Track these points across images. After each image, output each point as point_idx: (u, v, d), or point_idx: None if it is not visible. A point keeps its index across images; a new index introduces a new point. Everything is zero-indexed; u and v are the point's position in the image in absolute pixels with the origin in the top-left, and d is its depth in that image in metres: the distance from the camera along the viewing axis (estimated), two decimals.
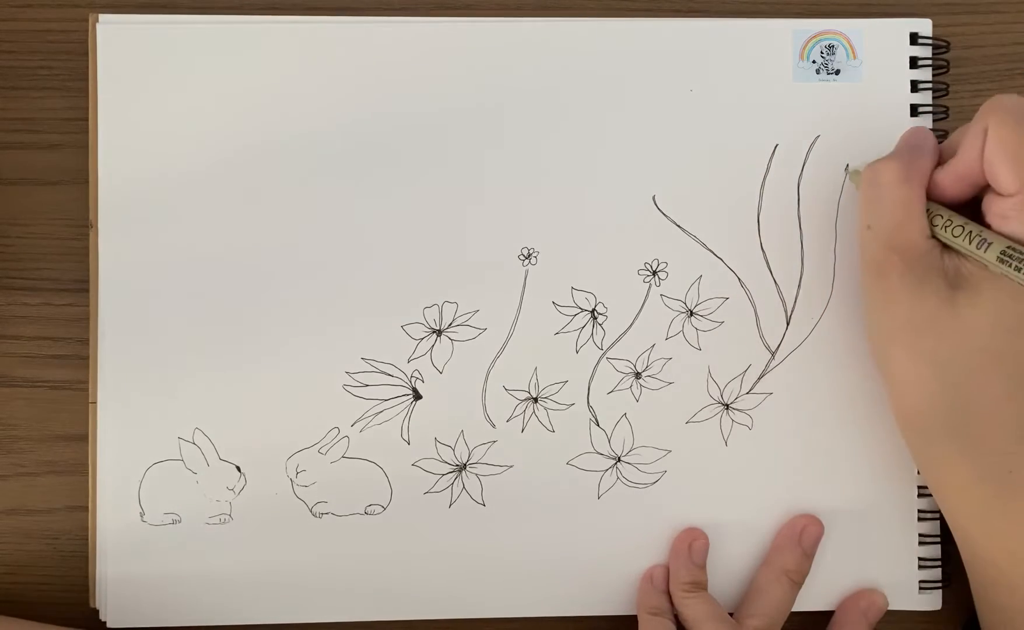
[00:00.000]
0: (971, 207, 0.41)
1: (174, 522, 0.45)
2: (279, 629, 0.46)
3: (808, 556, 0.45)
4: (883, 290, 0.41)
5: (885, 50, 0.47)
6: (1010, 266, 0.37)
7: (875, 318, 0.42)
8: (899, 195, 0.40)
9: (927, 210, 0.41)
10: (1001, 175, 0.39)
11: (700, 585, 0.45)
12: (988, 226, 0.40)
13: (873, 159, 0.42)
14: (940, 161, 0.41)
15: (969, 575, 0.44)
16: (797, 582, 0.45)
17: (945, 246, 0.40)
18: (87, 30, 0.46)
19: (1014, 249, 0.38)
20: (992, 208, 0.40)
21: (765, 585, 0.45)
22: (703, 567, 0.46)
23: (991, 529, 0.41)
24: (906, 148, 0.42)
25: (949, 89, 0.48)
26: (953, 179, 0.40)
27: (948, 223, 0.40)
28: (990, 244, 0.38)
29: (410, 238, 0.46)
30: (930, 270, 0.40)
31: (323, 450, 0.46)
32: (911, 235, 0.40)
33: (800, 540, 0.45)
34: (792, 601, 0.45)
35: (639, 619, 0.45)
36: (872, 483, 0.46)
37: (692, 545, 0.46)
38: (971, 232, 0.39)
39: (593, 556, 0.46)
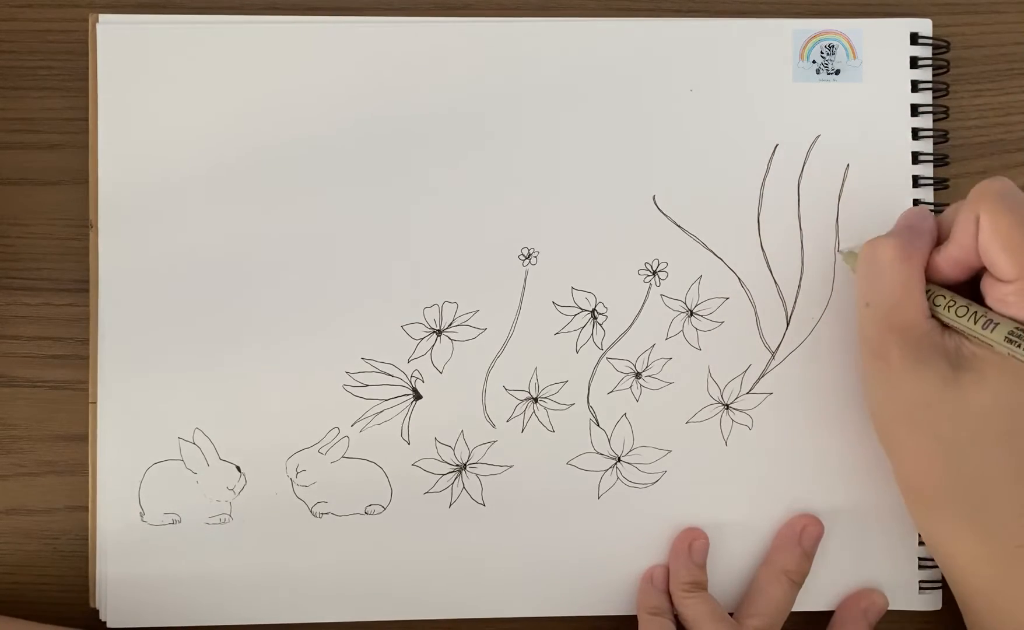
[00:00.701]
0: (968, 287, 0.41)
1: (174, 522, 0.45)
2: (279, 629, 0.46)
3: (808, 556, 0.45)
4: (884, 370, 0.41)
5: (885, 50, 0.47)
6: (1018, 346, 0.37)
7: (877, 398, 0.42)
8: (898, 274, 0.40)
9: (928, 291, 0.40)
10: (999, 263, 0.38)
11: (700, 585, 0.45)
12: (988, 308, 0.40)
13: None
14: (938, 239, 0.41)
15: None
16: (797, 582, 0.45)
17: (945, 326, 0.40)
18: (87, 30, 0.46)
19: (1021, 330, 0.38)
20: (992, 292, 0.39)
21: (765, 585, 0.45)
22: (703, 567, 0.46)
23: (997, 602, 0.41)
24: (905, 227, 0.42)
25: (949, 89, 0.48)
26: (950, 264, 0.40)
27: (951, 304, 0.40)
28: (996, 325, 0.38)
29: (410, 238, 0.46)
30: (931, 350, 0.40)
31: (323, 450, 0.46)
32: (911, 315, 0.40)
33: (800, 540, 0.45)
34: (792, 601, 0.45)
35: (639, 619, 0.45)
36: (872, 483, 0.46)
37: (692, 545, 0.46)
38: (976, 313, 0.39)
39: (593, 556, 0.46)
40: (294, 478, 0.46)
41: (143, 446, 0.45)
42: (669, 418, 0.46)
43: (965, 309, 0.39)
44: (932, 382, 0.39)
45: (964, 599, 0.43)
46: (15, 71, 0.47)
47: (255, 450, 0.46)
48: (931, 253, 0.41)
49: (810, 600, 0.46)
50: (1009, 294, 0.38)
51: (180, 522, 0.45)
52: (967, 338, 0.40)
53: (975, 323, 0.39)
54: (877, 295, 0.41)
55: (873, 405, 0.42)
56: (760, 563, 0.46)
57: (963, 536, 0.40)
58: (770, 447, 0.46)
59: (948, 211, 0.42)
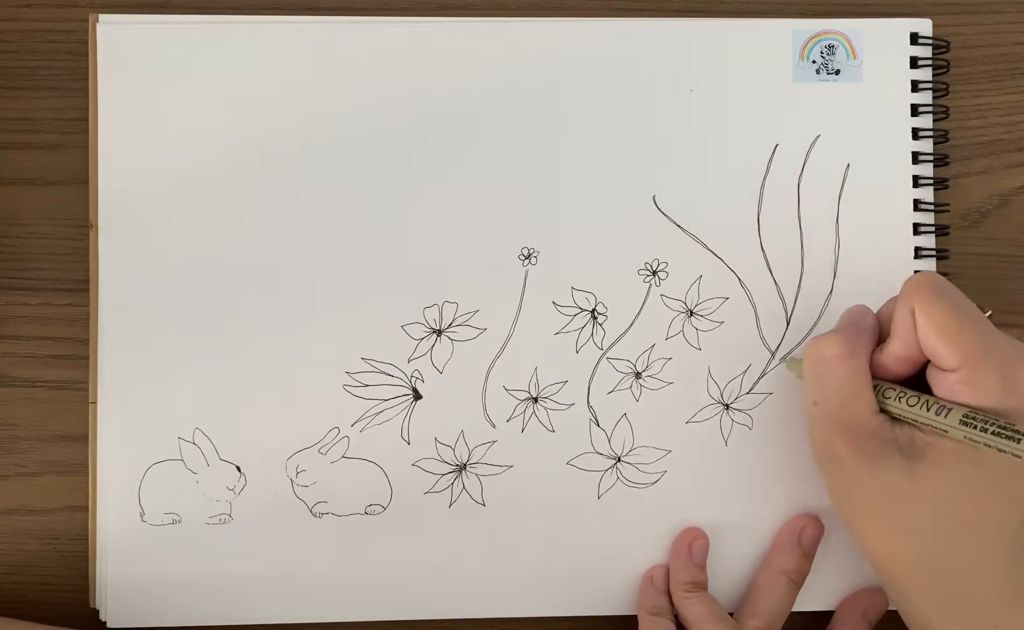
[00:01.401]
0: (915, 383, 0.40)
1: (174, 522, 0.45)
2: (279, 629, 0.46)
3: (808, 556, 0.45)
4: (838, 471, 0.40)
5: (885, 50, 0.47)
6: (975, 428, 0.37)
7: (836, 498, 0.41)
8: (844, 370, 0.40)
9: (876, 386, 0.40)
10: (940, 353, 0.38)
11: (700, 585, 0.45)
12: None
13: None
14: (880, 334, 0.41)
15: None
16: (797, 582, 0.45)
17: (895, 419, 0.40)
18: (87, 30, 0.46)
19: (974, 414, 0.37)
20: (939, 383, 0.39)
21: (765, 585, 0.45)
22: (703, 567, 0.46)
23: None
24: (848, 324, 0.42)
25: (949, 89, 0.48)
26: (894, 360, 0.40)
27: (901, 395, 0.39)
28: (949, 410, 0.38)
29: (410, 238, 0.46)
30: (883, 444, 0.39)
31: (323, 450, 0.46)
32: (859, 410, 0.40)
33: (800, 540, 0.45)
34: (792, 601, 0.45)
35: (639, 619, 0.45)
36: None
37: (692, 545, 0.46)
38: (927, 402, 0.38)
39: (593, 556, 0.46)
40: (294, 478, 0.46)
41: (143, 446, 0.45)
42: (669, 418, 0.46)
43: (916, 398, 0.39)
44: (888, 476, 0.39)
45: None
46: (15, 71, 0.47)
47: (255, 450, 0.46)
48: (875, 352, 0.41)
49: (810, 600, 0.46)
50: (955, 383, 0.38)
51: (180, 522, 0.45)
52: (919, 428, 0.39)
53: (928, 410, 0.38)
54: (824, 392, 0.41)
55: (835, 503, 0.42)
56: (760, 564, 0.46)
57: (940, 619, 0.40)
58: (770, 447, 0.46)
59: (885, 306, 0.42)
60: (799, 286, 0.46)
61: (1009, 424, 0.36)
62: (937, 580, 0.39)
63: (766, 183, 0.46)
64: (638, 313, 0.46)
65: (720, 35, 0.47)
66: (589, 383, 0.46)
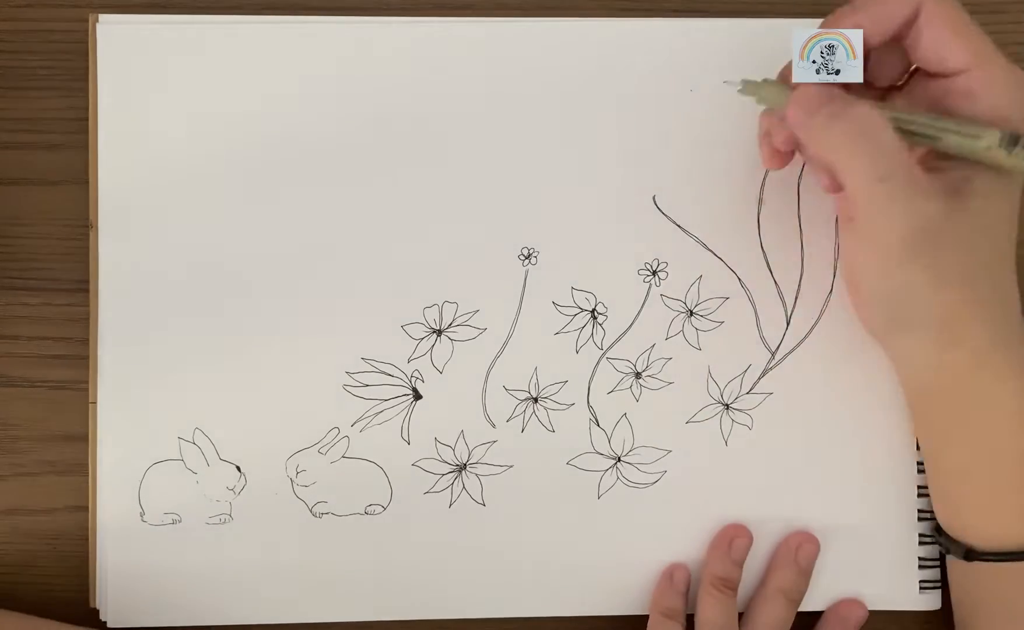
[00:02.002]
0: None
1: (174, 522, 0.45)
2: (279, 629, 0.46)
3: (805, 574, 0.45)
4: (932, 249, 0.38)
5: None
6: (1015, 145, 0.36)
7: (930, 293, 0.39)
8: (883, 122, 0.38)
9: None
10: (953, 51, 0.37)
11: (731, 583, 0.45)
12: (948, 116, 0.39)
13: None
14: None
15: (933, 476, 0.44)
16: (794, 600, 0.45)
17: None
18: (87, 30, 0.46)
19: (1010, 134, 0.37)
20: (954, 88, 0.38)
21: (762, 604, 0.45)
22: (740, 565, 0.45)
23: (949, 412, 0.41)
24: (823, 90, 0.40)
25: None
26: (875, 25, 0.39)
27: (927, 121, 0.38)
28: (979, 134, 0.37)
29: (410, 238, 0.46)
30: (930, 184, 0.38)
31: (323, 450, 0.46)
32: (915, 162, 0.39)
33: (796, 558, 0.45)
34: (790, 619, 0.45)
35: (651, 618, 0.45)
36: (872, 483, 0.46)
37: (733, 542, 0.45)
38: (955, 122, 0.38)
39: (593, 556, 0.46)
40: (294, 478, 0.46)
41: (143, 446, 0.45)
42: (669, 418, 0.46)
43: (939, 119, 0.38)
44: (934, 213, 0.38)
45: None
46: (15, 71, 0.47)
47: (255, 450, 0.46)
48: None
49: (810, 600, 0.46)
50: (974, 83, 0.37)
51: (180, 522, 0.45)
52: (943, 163, 0.39)
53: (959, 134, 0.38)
54: (888, 161, 0.38)
55: (925, 304, 0.39)
56: (757, 583, 0.46)
57: (986, 357, 0.39)
58: (770, 447, 0.46)
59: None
60: (799, 286, 0.46)
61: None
62: (999, 314, 0.39)
63: (766, 183, 0.46)
64: (638, 313, 0.46)
65: (720, 35, 0.47)
66: (589, 383, 0.46)
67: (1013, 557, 0.41)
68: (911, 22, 0.39)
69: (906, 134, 0.39)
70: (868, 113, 0.38)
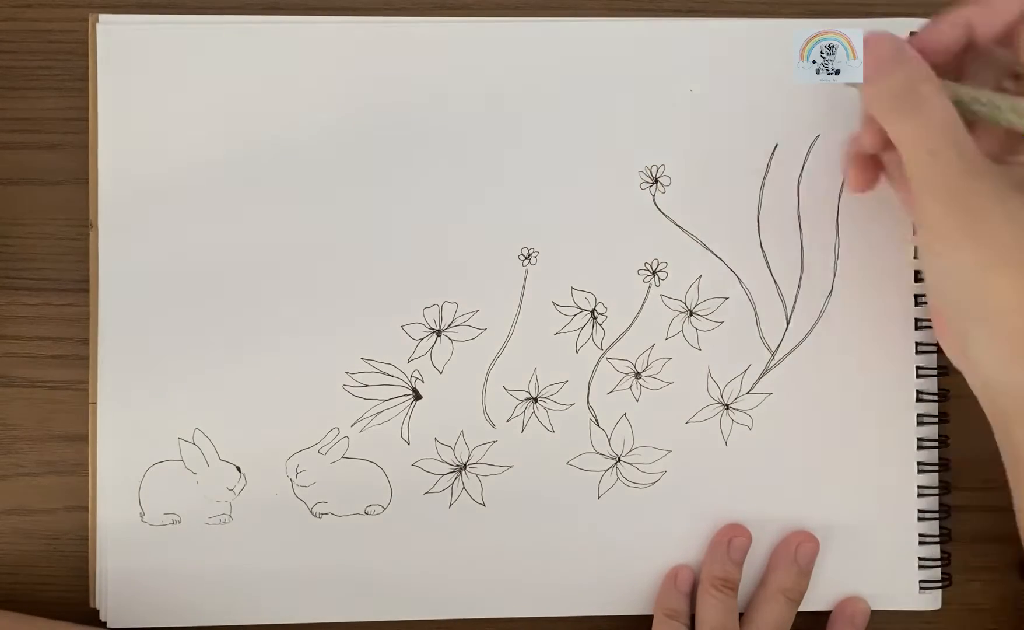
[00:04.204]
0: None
1: (174, 522, 0.45)
2: (279, 629, 0.46)
3: (805, 574, 0.45)
4: (969, 219, 0.36)
5: None
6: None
7: (957, 255, 0.37)
8: (946, 101, 0.37)
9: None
10: None
11: (731, 582, 0.45)
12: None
13: None
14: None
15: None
16: (795, 600, 0.45)
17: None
18: (87, 30, 0.46)
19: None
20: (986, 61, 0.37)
21: (762, 604, 0.45)
22: (739, 564, 0.45)
23: None
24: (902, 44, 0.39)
25: None
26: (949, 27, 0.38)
27: (990, 98, 0.37)
28: None
29: (410, 238, 0.46)
30: (1008, 182, 0.36)
31: (323, 450, 0.46)
32: (974, 143, 0.37)
33: (796, 558, 0.45)
34: (791, 619, 0.45)
35: (655, 618, 0.45)
36: (872, 483, 0.46)
37: (732, 541, 0.45)
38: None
39: (593, 556, 0.46)
40: (294, 478, 0.46)
41: (143, 446, 0.45)
42: (669, 418, 0.46)
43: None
44: (1020, 216, 0.36)
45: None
46: (15, 71, 0.47)
47: (255, 450, 0.46)
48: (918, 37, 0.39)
49: (810, 601, 0.46)
50: None
51: (180, 522, 0.45)
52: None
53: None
54: (940, 134, 0.36)
55: (950, 265, 0.38)
56: (757, 583, 0.46)
57: None
58: (770, 447, 0.46)
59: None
60: (799, 286, 0.46)
61: None
62: None
63: (766, 183, 0.46)
64: (638, 313, 0.46)
65: (720, 35, 0.47)
66: (589, 383, 0.46)
67: None
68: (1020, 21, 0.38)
69: (969, 111, 0.37)
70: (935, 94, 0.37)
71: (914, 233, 0.44)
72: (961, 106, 0.37)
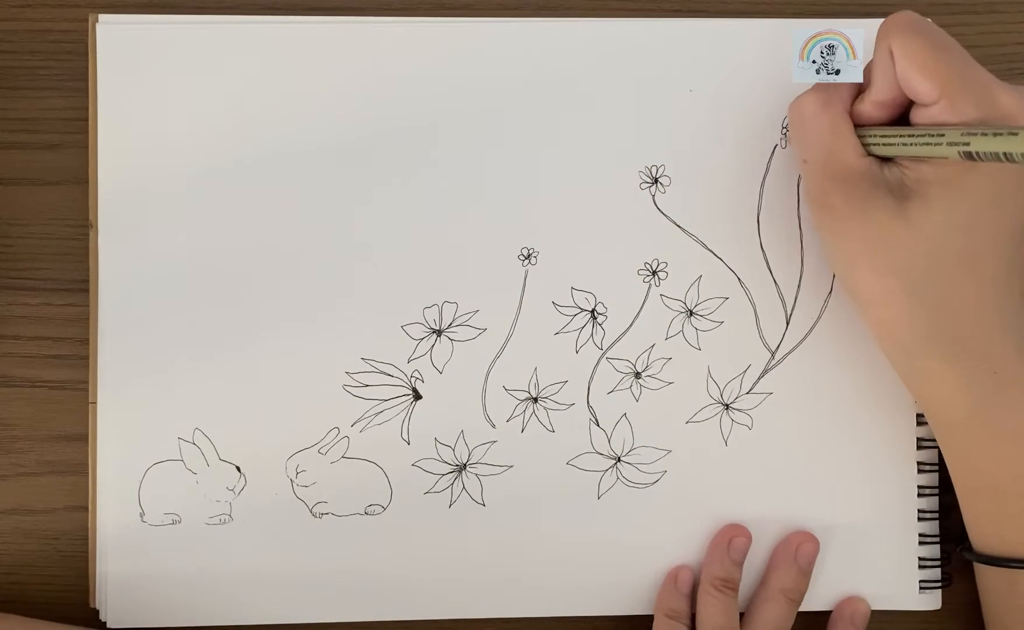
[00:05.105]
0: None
1: (174, 522, 0.45)
2: (279, 629, 0.46)
3: (805, 574, 0.45)
4: (831, 219, 0.41)
5: None
6: (973, 135, 0.36)
7: (830, 248, 0.42)
8: (824, 122, 0.41)
9: (860, 133, 0.41)
10: (920, 88, 0.39)
11: (732, 583, 0.45)
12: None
13: None
14: (861, 89, 0.42)
15: (958, 494, 0.44)
16: (795, 600, 0.45)
17: (882, 161, 0.40)
18: (87, 30, 0.46)
19: (971, 127, 0.37)
20: (921, 119, 0.40)
21: (763, 605, 0.45)
22: (739, 565, 0.45)
23: (975, 432, 0.41)
24: (823, 80, 0.42)
25: None
26: (875, 107, 0.41)
27: (885, 135, 0.40)
28: (943, 134, 0.38)
29: (410, 238, 0.46)
30: (873, 187, 0.40)
31: (323, 450, 0.46)
32: (845, 156, 0.40)
33: (796, 558, 0.45)
34: (791, 619, 0.45)
35: (655, 618, 0.45)
36: (872, 483, 0.46)
37: (732, 541, 0.45)
38: (913, 133, 0.39)
39: (593, 556, 0.46)
40: (294, 478, 0.46)
41: (143, 446, 0.45)
42: (669, 418, 0.46)
43: (901, 134, 0.39)
44: (880, 218, 0.40)
45: (944, 438, 0.43)
46: (15, 71, 0.47)
47: (255, 450, 0.46)
48: (855, 102, 0.41)
49: (810, 601, 0.46)
50: (938, 114, 0.39)
51: (180, 522, 0.45)
52: (907, 168, 0.40)
53: (919, 140, 0.38)
54: (810, 149, 0.41)
55: (829, 257, 0.43)
56: (757, 583, 0.46)
57: (939, 369, 0.40)
58: (770, 447, 0.46)
59: (866, 66, 0.42)
60: (799, 286, 0.46)
61: (1005, 126, 0.36)
62: (933, 326, 0.40)
63: (766, 183, 0.46)
64: (638, 313, 0.46)
65: (720, 35, 0.47)
66: (589, 383, 0.46)
67: None
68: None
69: (884, 147, 0.40)
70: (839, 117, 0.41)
71: None
72: (893, 144, 0.40)
